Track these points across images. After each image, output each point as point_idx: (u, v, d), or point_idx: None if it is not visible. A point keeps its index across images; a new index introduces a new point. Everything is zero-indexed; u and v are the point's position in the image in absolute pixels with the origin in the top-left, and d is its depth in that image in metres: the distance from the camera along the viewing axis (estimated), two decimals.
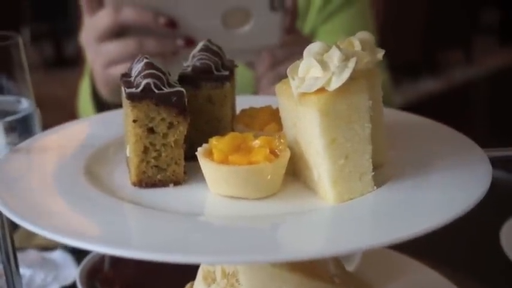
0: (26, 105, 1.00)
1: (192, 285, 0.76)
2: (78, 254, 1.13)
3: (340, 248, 0.54)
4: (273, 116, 0.77)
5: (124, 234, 0.59)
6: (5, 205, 0.61)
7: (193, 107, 0.72)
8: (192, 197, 0.68)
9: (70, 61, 4.70)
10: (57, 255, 1.14)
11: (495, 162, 0.71)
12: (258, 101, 0.83)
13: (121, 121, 0.77)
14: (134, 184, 0.70)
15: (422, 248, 1.08)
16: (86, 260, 0.93)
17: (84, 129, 0.88)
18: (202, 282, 0.71)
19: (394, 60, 1.56)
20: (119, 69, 1.16)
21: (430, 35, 4.37)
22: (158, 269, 0.93)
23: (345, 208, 0.63)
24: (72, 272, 1.08)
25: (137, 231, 0.61)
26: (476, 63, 4.75)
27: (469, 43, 4.84)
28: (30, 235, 1.20)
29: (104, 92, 1.29)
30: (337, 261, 0.73)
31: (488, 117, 3.80)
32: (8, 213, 0.60)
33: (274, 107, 0.78)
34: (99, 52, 1.20)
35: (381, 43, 0.75)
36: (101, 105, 1.33)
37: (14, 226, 1.19)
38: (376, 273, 0.91)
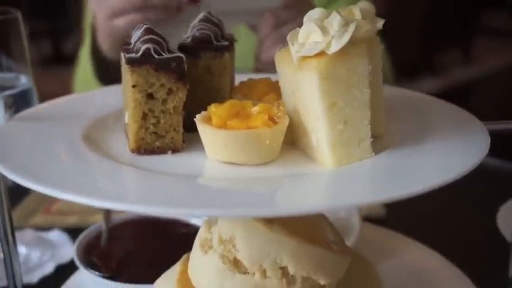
0: (24, 81, 1.00)
1: (189, 256, 0.76)
2: (74, 234, 1.13)
3: (337, 202, 0.54)
4: (272, 87, 0.77)
5: (123, 190, 0.59)
6: (6, 167, 0.61)
7: (192, 76, 0.72)
8: (190, 163, 0.68)
9: (68, 58, 4.69)
10: (54, 235, 1.14)
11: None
12: (257, 76, 0.83)
13: (120, 95, 0.77)
14: (133, 151, 0.70)
15: (421, 229, 1.09)
16: (82, 236, 0.93)
17: (84, 101, 0.88)
18: (199, 250, 0.71)
19: (394, 61, 1.56)
20: (122, 21, 1.16)
21: (429, 35, 4.38)
22: (154, 244, 0.93)
23: (343, 171, 0.63)
24: (69, 251, 1.08)
25: (135, 188, 0.61)
26: (475, 63, 4.76)
27: (468, 43, 4.85)
28: (28, 215, 1.20)
29: (106, 47, 1.28)
30: (335, 230, 0.73)
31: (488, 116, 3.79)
32: (9, 174, 0.60)
33: (273, 79, 0.78)
34: (103, 3, 1.19)
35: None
36: (101, 62, 1.32)
37: (12, 204, 1.20)
38: (373, 250, 0.92)
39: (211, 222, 0.72)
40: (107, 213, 0.98)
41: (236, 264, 0.68)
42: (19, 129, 0.74)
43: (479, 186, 1.10)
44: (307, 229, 0.69)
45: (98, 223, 0.97)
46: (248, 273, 0.67)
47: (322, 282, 0.67)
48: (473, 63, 4.78)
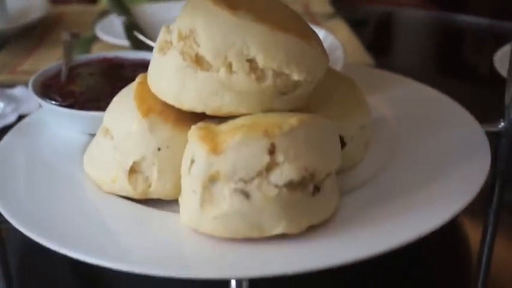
0: None
1: (145, 76, 0.67)
2: None
3: None
4: None
5: None
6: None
7: None
8: None
9: None
10: (18, 90, 1.06)
11: None
12: None
13: None
14: None
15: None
16: (38, 73, 0.84)
17: None
18: (157, 55, 0.63)
19: None
20: None
21: None
22: (116, 83, 0.85)
23: None
24: (33, 105, 1.01)
25: None
26: None
27: None
28: None
29: None
30: (312, 30, 0.64)
31: None
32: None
33: None
34: None
35: None
36: None
37: None
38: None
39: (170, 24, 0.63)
40: (68, 51, 0.89)
41: (198, 61, 0.59)
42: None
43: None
44: (278, 19, 0.60)
45: (56, 63, 0.88)
46: (212, 70, 0.58)
47: (296, 77, 0.59)
48: None
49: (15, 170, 0.69)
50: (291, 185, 0.54)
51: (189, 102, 0.60)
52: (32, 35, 1.30)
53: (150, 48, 1.03)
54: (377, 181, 0.64)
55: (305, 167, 0.55)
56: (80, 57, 0.90)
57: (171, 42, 0.62)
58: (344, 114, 0.67)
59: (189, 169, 0.57)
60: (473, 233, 0.72)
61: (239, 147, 0.54)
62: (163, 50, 0.62)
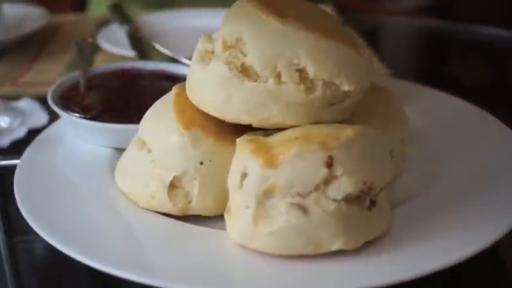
0: None
1: (181, 87, 0.65)
2: (45, 102, 1.02)
3: None
4: None
5: None
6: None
7: None
8: None
9: None
10: (24, 103, 1.02)
11: None
12: None
13: None
14: None
15: None
16: (55, 85, 0.81)
17: None
18: (198, 65, 0.60)
19: None
20: None
21: None
22: (137, 94, 0.82)
23: None
24: (42, 117, 0.97)
25: None
26: None
27: None
28: None
29: None
30: (356, 36, 0.62)
31: None
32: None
33: None
34: None
35: None
36: None
37: None
38: None
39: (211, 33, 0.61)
40: (85, 60, 0.86)
41: (245, 71, 0.57)
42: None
43: None
44: (324, 26, 0.58)
45: (71, 75, 0.85)
46: (259, 80, 0.56)
47: (346, 87, 0.57)
48: None
49: (41, 187, 0.66)
50: (348, 199, 0.53)
51: (234, 114, 0.58)
52: (30, 45, 1.26)
53: (161, 58, 1.01)
54: (426, 194, 0.63)
55: (363, 180, 0.53)
56: (96, 68, 0.87)
57: (212, 52, 0.60)
58: (385, 126, 0.65)
59: (240, 183, 0.55)
60: None
61: (296, 160, 0.52)
62: (204, 60, 0.60)
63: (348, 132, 0.53)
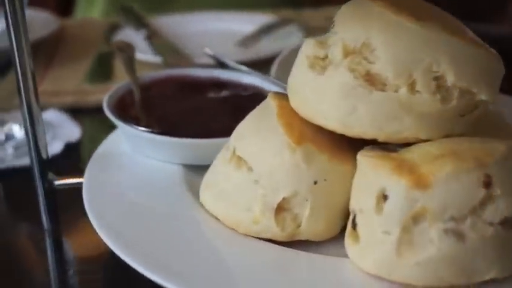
0: None
1: (279, 97, 0.58)
2: (72, 113, 0.94)
3: None
4: None
5: None
6: None
7: None
8: None
9: None
10: (50, 115, 0.94)
11: None
12: None
13: None
14: None
15: None
16: (108, 96, 0.73)
17: None
18: (309, 73, 0.53)
19: None
20: None
21: None
22: (199, 103, 0.75)
23: None
24: (74, 131, 0.90)
25: None
26: None
27: None
28: (11, 96, 0.98)
29: None
30: None
31: None
32: None
33: None
34: None
35: None
36: None
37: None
38: None
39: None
40: (131, 67, 0.79)
41: (371, 80, 0.51)
42: None
43: None
44: (459, 29, 0.52)
45: (122, 83, 0.77)
46: (388, 89, 0.50)
47: (483, 96, 0.51)
48: None
49: (116, 211, 0.58)
50: (504, 223, 0.47)
51: (359, 127, 0.51)
52: (40, 52, 1.17)
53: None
54: None
55: None
56: (143, 76, 0.79)
57: (323, 58, 0.53)
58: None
59: (377, 206, 0.48)
60: None
61: (450, 181, 0.46)
62: (315, 67, 0.54)
63: (499, 147, 0.48)
